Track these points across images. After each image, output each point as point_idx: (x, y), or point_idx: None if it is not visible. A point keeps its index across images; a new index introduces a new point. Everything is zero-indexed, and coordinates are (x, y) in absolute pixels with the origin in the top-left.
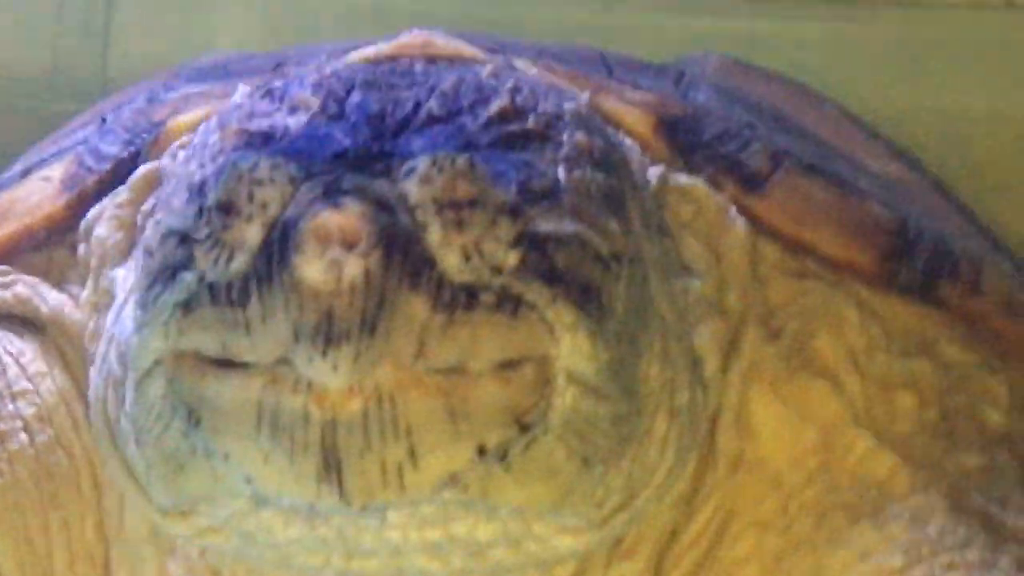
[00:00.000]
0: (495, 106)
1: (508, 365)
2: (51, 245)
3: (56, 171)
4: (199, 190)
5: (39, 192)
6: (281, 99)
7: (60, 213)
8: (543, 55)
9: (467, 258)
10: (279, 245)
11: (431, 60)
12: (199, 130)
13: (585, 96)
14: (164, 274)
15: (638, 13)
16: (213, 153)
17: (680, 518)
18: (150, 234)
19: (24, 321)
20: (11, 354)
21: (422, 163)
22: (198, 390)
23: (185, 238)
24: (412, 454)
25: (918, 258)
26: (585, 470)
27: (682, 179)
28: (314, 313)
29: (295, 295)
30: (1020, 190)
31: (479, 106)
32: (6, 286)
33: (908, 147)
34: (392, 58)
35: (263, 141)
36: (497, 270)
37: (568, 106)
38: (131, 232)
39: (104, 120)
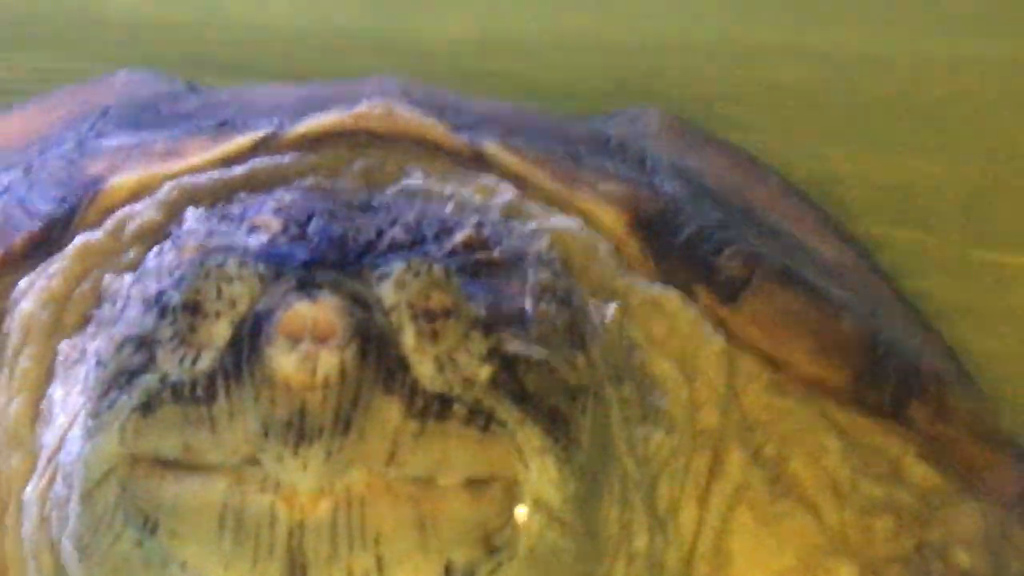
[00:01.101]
0: (460, 236)
1: (477, 483)
2: None
3: None
4: (157, 298)
5: None
6: (240, 220)
7: None
8: (510, 133)
9: (440, 368)
10: (249, 340)
11: (389, 142)
12: (148, 256)
13: (546, 234)
14: (120, 380)
15: None
16: (171, 268)
17: None
18: (101, 345)
19: None
20: None
21: (396, 268)
22: (156, 494)
23: (143, 343)
24: (379, 565)
25: (888, 378)
26: None
27: (655, 290)
28: (286, 408)
29: (266, 389)
30: None
31: (444, 236)
32: None
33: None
34: (352, 131)
35: (223, 253)
36: (469, 383)
37: (533, 246)
38: (59, 311)
39: (29, 168)
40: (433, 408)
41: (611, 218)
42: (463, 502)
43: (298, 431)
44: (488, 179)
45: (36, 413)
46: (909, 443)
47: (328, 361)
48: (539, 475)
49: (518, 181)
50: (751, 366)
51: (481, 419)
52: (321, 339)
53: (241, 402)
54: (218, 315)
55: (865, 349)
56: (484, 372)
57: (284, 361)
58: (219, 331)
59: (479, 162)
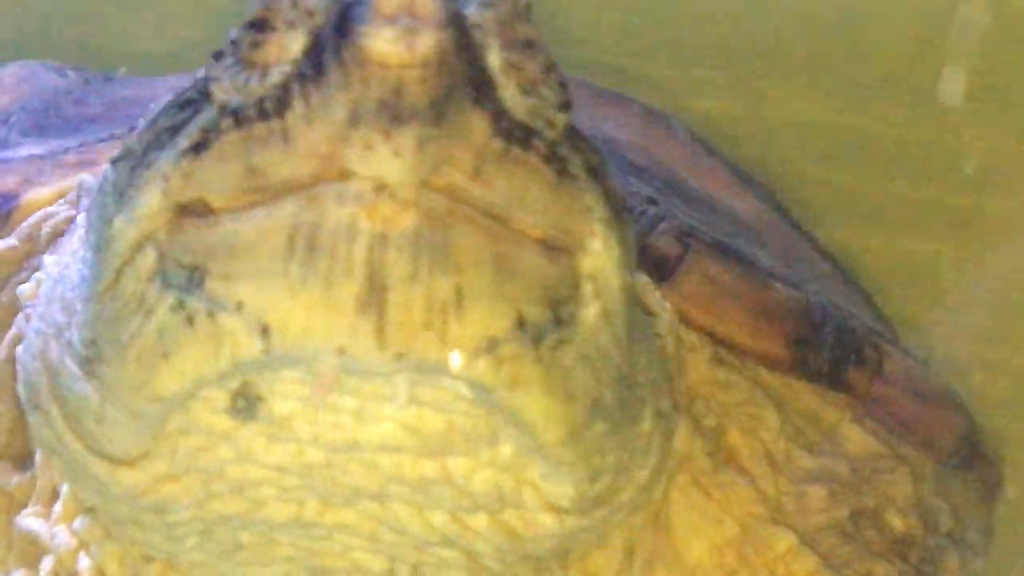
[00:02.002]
0: None
1: (549, 246)
2: None
3: None
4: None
5: None
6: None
7: None
8: None
9: (524, 94)
10: (335, 34)
11: None
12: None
13: None
14: (157, 142)
15: None
16: None
17: None
18: (124, 144)
19: None
20: None
21: None
22: (207, 240)
23: (188, 101)
24: (459, 295)
25: (824, 344)
26: (592, 415)
27: None
28: (381, 86)
29: (358, 70)
30: None
31: None
32: None
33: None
34: None
35: None
36: (550, 123)
37: None
38: None
39: None
40: (517, 134)
41: None
42: (537, 255)
43: (393, 110)
44: None
45: None
46: (847, 408)
47: (429, 37)
48: (603, 247)
49: None
50: (692, 338)
51: (558, 164)
52: (420, 18)
53: (324, 98)
54: (292, 24)
55: (800, 317)
56: (561, 120)
57: (382, 36)
58: (294, 41)
59: None
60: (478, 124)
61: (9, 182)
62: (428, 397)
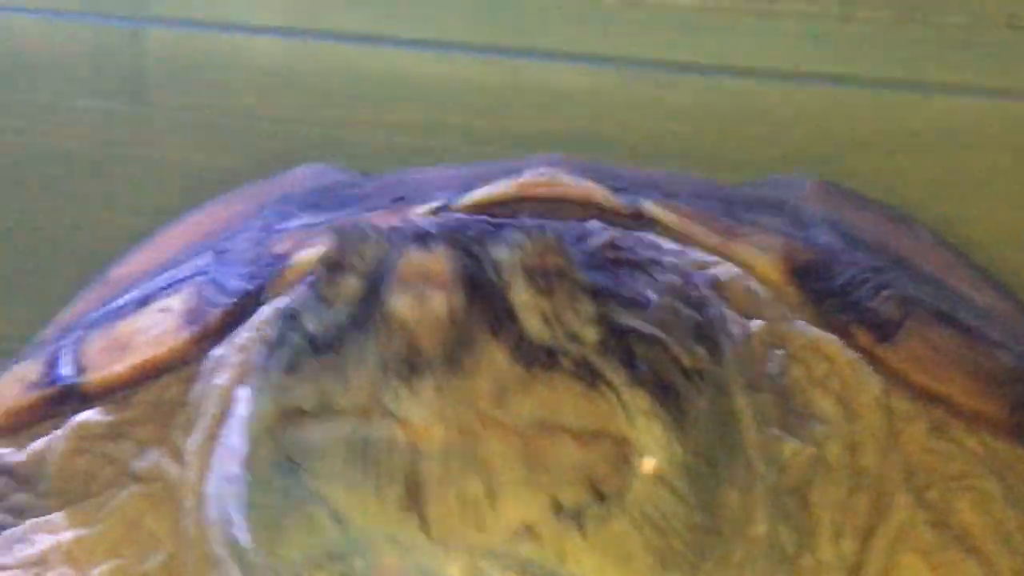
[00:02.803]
0: (595, 240)
1: (587, 434)
2: (165, 376)
3: (176, 302)
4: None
5: (160, 324)
6: None
7: (183, 347)
8: (668, 195)
9: (547, 322)
10: (374, 290)
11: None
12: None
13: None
14: (273, 347)
15: None
16: None
17: None
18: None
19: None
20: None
21: (512, 233)
22: (299, 440)
23: (294, 313)
24: (490, 491)
25: None
26: (659, 569)
27: (814, 333)
28: (400, 344)
29: (385, 328)
30: None
31: (578, 240)
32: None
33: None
34: (518, 199)
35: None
36: (577, 340)
37: (667, 258)
38: None
39: (219, 250)
40: (540, 357)
41: (768, 267)
42: (571, 446)
43: (410, 365)
44: (648, 236)
45: None
46: None
47: (438, 300)
48: (646, 435)
49: (677, 237)
50: (909, 408)
51: (587, 374)
52: (433, 282)
53: (365, 346)
54: (352, 269)
55: (1022, 381)
56: (591, 333)
57: (400, 301)
58: (352, 285)
59: (639, 222)
60: (498, 355)
61: (283, 246)
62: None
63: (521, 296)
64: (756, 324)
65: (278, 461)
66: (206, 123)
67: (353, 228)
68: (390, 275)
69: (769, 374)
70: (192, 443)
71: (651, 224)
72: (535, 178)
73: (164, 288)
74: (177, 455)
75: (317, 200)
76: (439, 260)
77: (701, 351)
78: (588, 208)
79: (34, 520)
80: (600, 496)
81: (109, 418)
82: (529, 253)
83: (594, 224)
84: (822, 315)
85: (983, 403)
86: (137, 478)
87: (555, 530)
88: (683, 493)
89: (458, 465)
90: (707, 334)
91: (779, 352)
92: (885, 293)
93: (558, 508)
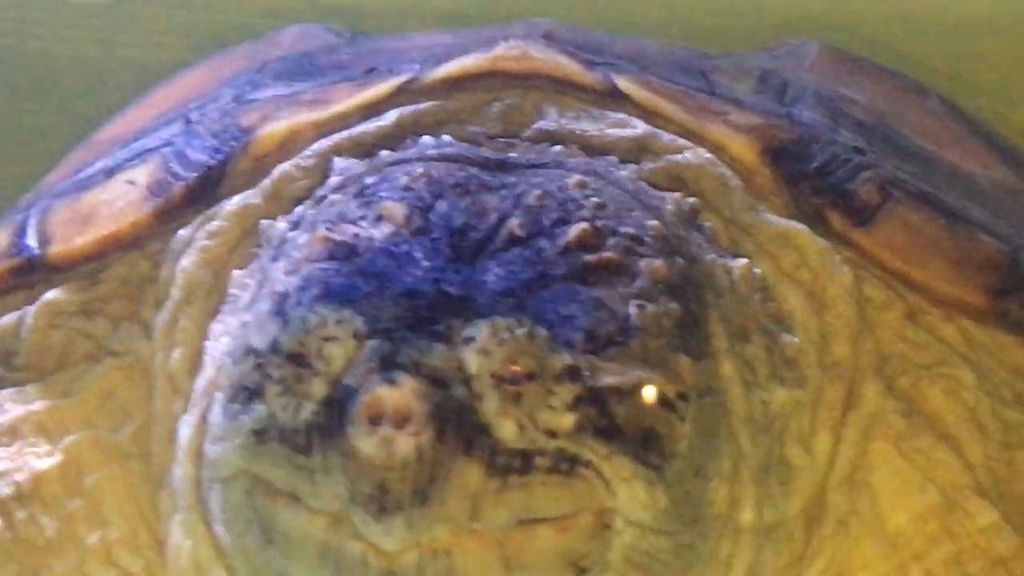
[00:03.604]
0: (575, 232)
1: (563, 518)
2: (133, 251)
3: (141, 175)
4: (276, 311)
5: (124, 197)
6: (369, 204)
7: (146, 221)
8: (646, 68)
9: (522, 428)
10: (339, 407)
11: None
12: (285, 231)
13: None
14: (242, 394)
15: None
16: (299, 261)
17: None
18: (237, 340)
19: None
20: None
21: (482, 332)
22: (271, 515)
23: (261, 365)
24: None
25: None
26: None
27: (783, 224)
28: (368, 483)
29: (351, 463)
30: None
31: (559, 228)
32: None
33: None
34: (490, 73)
35: (345, 256)
36: (553, 435)
37: (651, 224)
38: (218, 272)
39: (189, 120)
40: (514, 465)
41: (742, 149)
42: (549, 536)
43: (379, 504)
44: (620, 115)
45: (193, 365)
46: None
47: (405, 444)
48: (628, 500)
49: (650, 115)
50: (883, 296)
51: (565, 465)
52: (399, 422)
53: (332, 465)
54: (317, 373)
55: (1004, 266)
56: (568, 421)
57: (363, 444)
58: (317, 388)
59: (614, 98)
60: (471, 476)
61: (250, 118)
62: None
63: (493, 408)
64: (741, 263)
65: (253, 523)
66: None
67: (316, 323)
68: (352, 405)
69: (755, 311)
70: (160, 321)
71: (624, 103)
72: (506, 52)
73: (131, 159)
74: (148, 332)
75: (292, 68)
76: (404, 397)
77: (684, 363)
78: (560, 84)
79: (5, 391)
80: (582, 570)
81: (81, 296)
82: (499, 359)
83: (575, 185)
84: (796, 198)
85: (962, 289)
86: (112, 352)
87: None
88: (668, 529)
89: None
90: (691, 322)
91: (759, 274)
92: (865, 175)
93: None
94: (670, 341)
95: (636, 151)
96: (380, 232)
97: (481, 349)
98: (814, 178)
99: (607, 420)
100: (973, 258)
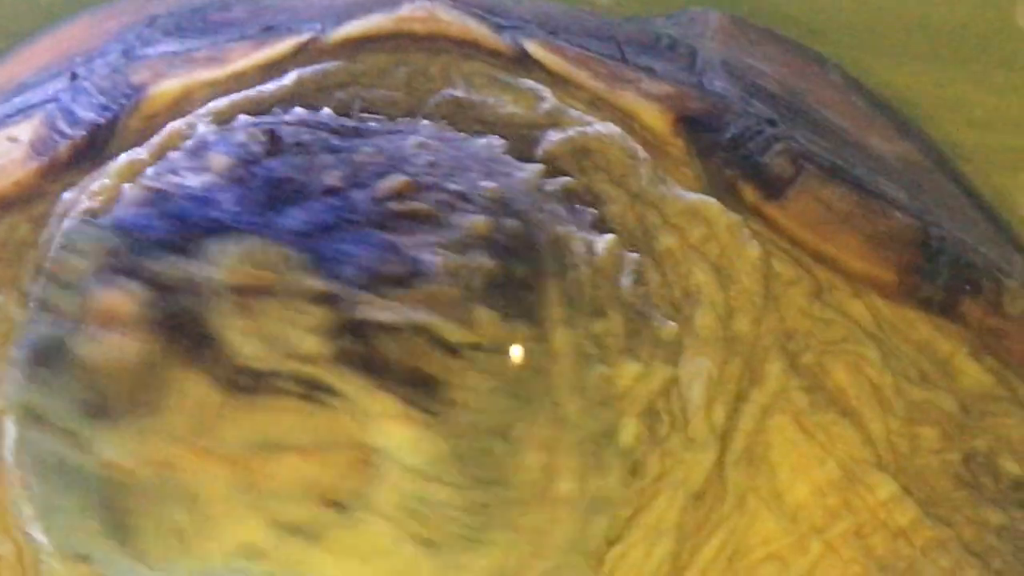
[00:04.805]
0: (391, 182)
1: (316, 448)
2: (13, 212)
3: (24, 131)
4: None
5: (6, 154)
6: (199, 156)
7: (29, 180)
8: (555, 33)
9: (266, 343)
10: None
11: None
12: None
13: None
14: (27, 324)
15: None
16: (116, 209)
17: (684, 554)
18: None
19: None
20: None
21: (228, 247)
22: (37, 445)
23: (40, 291)
24: (194, 520)
25: (940, 272)
26: (430, 553)
27: (692, 198)
28: (89, 391)
29: (74, 369)
30: None
31: (377, 180)
32: None
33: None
34: (394, 35)
35: (154, 201)
36: (300, 358)
37: (485, 184)
38: None
39: (76, 75)
40: (247, 383)
41: (654, 118)
42: (294, 467)
43: (101, 411)
44: (529, 83)
45: None
46: (962, 342)
47: (124, 347)
48: (395, 441)
49: (561, 81)
50: (792, 271)
51: (310, 392)
52: (118, 326)
53: (59, 376)
54: (63, 285)
55: (915, 243)
56: (313, 345)
57: (84, 348)
58: (60, 301)
59: (523, 63)
60: (195, 388)
61: (141, 76)
62: None
63: (223, 319)
64: (607, 239)
65: (30, 461)
66: None
67: (76, 238)
68: (77, 311)
69: (621, 289)
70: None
71: (533, 68)
72: (412, 13)
73: (13, 115)
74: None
75: (184, 25)
76: (127, 301)
77: (482, 316)
78: (467, 47)
79: None
80: (338, 506)
81: None
82: (236, 271)
83: (414, 145)
84: (708, 170)
85: (872, 265)
86: None
87: (280, 545)
88: (451, 479)
89: (157, 497)
90: (510, 285)
91: (633, 256)
92: (778, 147)
93: (280, 524)
94: (472, 294)
95: (544, 124)
96: (197, 180)
97: (223, 263)
98: (727, 149)
99: (372, 355)
100: (885, 234)
